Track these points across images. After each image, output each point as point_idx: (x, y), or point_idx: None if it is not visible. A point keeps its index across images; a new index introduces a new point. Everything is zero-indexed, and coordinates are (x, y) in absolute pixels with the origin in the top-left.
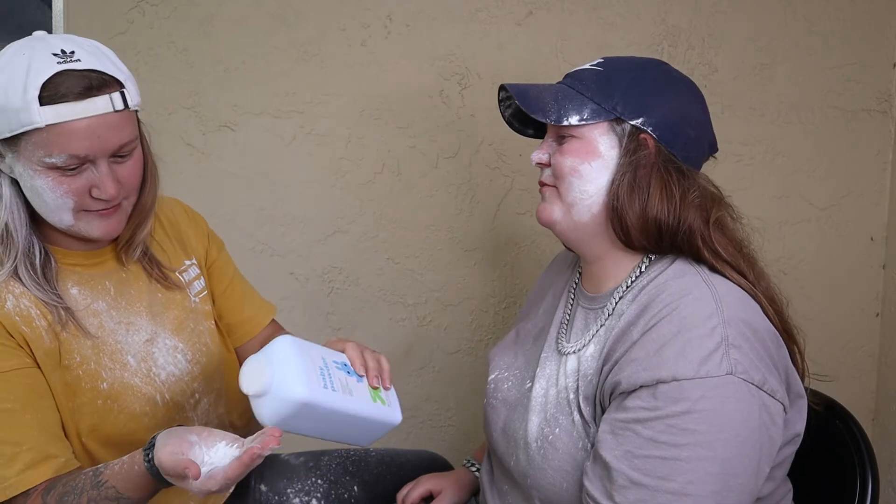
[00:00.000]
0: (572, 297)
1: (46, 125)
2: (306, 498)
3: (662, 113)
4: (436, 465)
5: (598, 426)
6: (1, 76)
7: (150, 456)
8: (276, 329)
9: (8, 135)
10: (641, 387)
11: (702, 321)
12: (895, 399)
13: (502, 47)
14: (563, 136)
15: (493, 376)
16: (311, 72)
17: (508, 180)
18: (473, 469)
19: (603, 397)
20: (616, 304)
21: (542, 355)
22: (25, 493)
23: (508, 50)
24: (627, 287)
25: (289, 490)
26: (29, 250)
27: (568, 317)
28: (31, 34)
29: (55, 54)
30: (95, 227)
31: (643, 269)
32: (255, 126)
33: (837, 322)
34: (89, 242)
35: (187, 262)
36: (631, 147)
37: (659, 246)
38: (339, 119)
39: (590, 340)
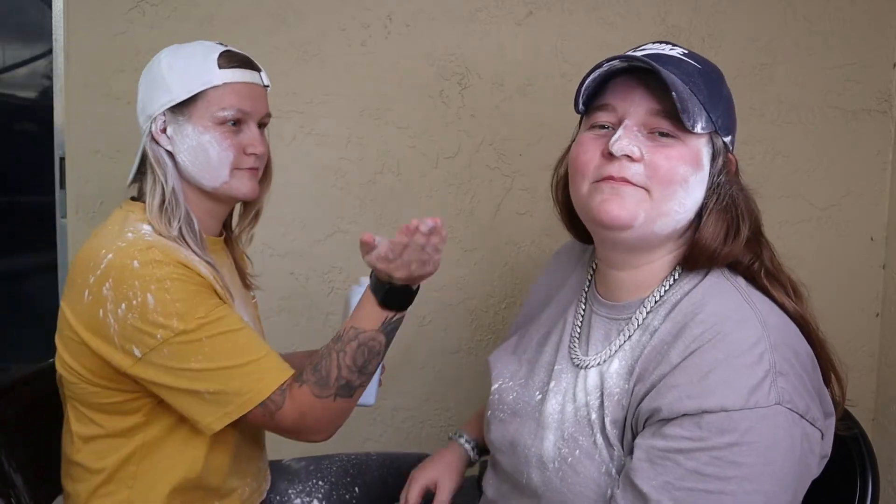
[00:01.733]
0: (583, 303)
1: (223, 83)
2: (307, 499)
3: (735, 133)
4: None
5: (623, 449)
6: (178, 57)
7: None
8: None
9: (185, 97)
10: (684, 415)
11: (749, 347)
12: (895, 399)
13: (502, 47)
14: (661, 132)
15: (496, 386)
16: (311, 72)
17: (508, 180)
18: (462, 441)
19: (637, 422)
20: (645, 316)
21: (555, 367)
22: (281, 389)
23: (508, 50)
24: (658, 300)
25: (290, 491)
26: (187, 216)
27: (580, 325)
28: (31, 34)
29: (214, 42)
30: (245, 185)
31: (676, 279)
32: None
33: (837, 322)
34: (214, 226)
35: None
36: (721, 165)
37: (709, 266)
38: (339, 119)
39: (613, 354)
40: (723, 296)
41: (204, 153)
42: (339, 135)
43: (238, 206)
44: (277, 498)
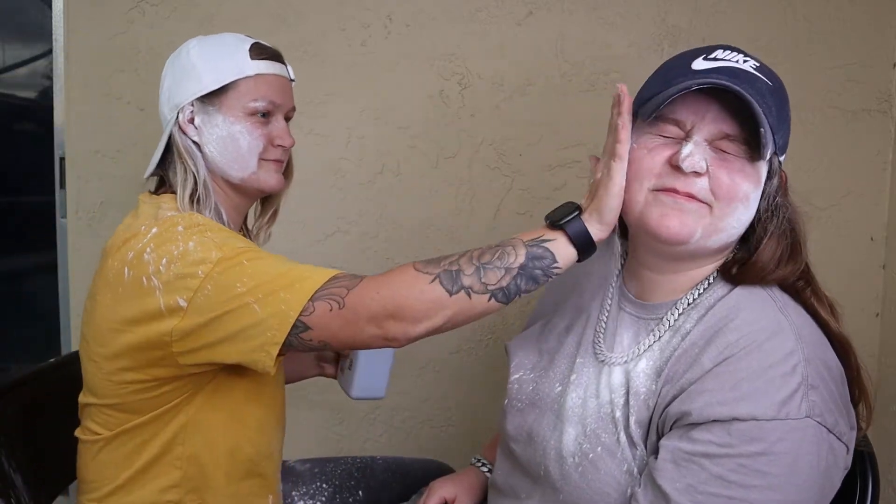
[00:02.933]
0: (611, 298)
1: (255, 74)
2: (311, 502)
3: (787, 151)
4: (442, 474)
5: (647, 449)
6: (209, 47)
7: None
8: None
9: (216, 86)
10: (714, 421)
11: (783, 358)
12: (895, 399)
13: (502, 47)
14: (724, 148)
15: (516, 376)
16: (311, 72)
17: (508, 180)
18: (484, 469)
19: (664, 423)
20: (676, 318)
21: (577, 360)
22: (349, 275)
23: (508, 50)
24: (691, 302)
25: (294, 493)
26: (217, 208)
27: (605, 320)
28: (31, 34)
29: (238, 35)
30: (272, 177)
31: (710, 283)
32: None
33: None
34: (238, 219)
35: None
36: (777, 185)
37: (758, 284)
38: (339, 119)
39: (641, 354)
40: (758, 304)
41: (234, 144)
42: (339, 135)
43: (255, 206)
44: (281, 501)
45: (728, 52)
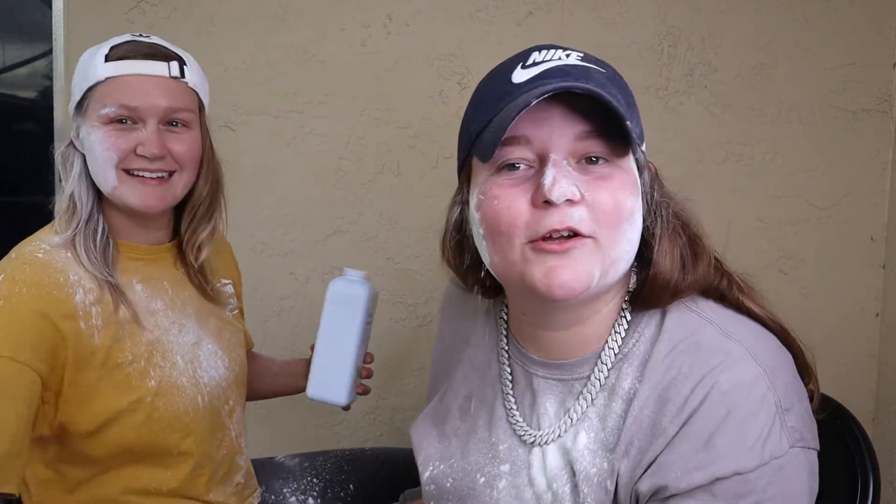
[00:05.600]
0: (509, 366)
1: (106, 78)
2: (302, 497)
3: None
4: None
5: None
6: (84, 55)
7: None
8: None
9: (79, 96)
10: (696, 488)
11: (748, 393)
12: (895, 399)
13: (502, 47)
14: (592, 157)
15: (427, 474)
16: (311, 72)
17: None
18: None
19: (636, 502)
20: (607, 375)
21: (500, 447)
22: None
23: (508, 50)
24: (618, 352)
25: (285, 490)
26: (90, 223)
27: (512, 391)
28: (31, 34)
29: (133, 34)
30: (136, 194)
31: (629, 320)
32: (255, 126)
33: (837, 322)
34: (150, 235)
35: (224, 281)
36: (650, 180)
37: (674, 300)
38: (339, 119)
39: (575, 424)
40: (696, 338)
41: (91, 154)
42: (339, 135)
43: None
44: (272, 497)
45: (545, 51)
